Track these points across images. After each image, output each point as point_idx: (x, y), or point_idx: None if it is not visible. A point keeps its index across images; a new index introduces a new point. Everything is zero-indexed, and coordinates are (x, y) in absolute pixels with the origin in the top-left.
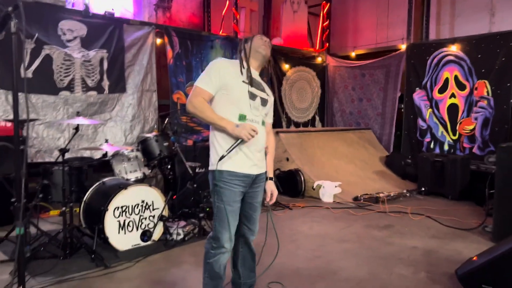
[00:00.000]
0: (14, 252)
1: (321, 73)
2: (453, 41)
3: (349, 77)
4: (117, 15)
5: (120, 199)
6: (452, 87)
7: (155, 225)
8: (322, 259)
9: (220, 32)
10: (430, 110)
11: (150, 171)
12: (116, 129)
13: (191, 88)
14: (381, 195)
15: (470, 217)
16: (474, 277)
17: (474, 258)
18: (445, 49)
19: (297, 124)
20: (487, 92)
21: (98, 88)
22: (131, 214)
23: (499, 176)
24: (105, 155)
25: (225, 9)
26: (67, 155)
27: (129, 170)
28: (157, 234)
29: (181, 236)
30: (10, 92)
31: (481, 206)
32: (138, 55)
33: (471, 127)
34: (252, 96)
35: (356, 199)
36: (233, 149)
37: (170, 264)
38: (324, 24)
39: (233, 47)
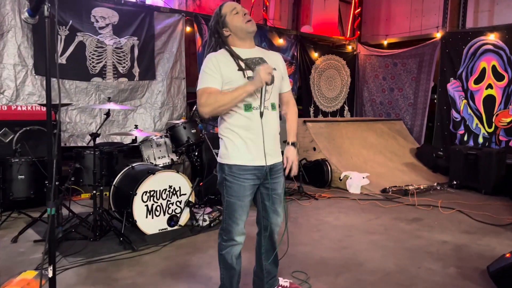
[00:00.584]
0: (46, 232)
1: (351, 62)
2: (491, 29)
3: (380, 66)
4: (148, 2)
5: (148, 184)
6: (489, 78)
7: (181, 211)
8: (348, 250)
9: None
10: (464, 101)
11: (177, 157)
12: (146, 116)
13: None
14: (410, 187)
15: (504, 213)
16: (507, 274)
17: (508, 255)
18: (482, 37)
19: (325, 114)
20: None
21: (129, 75)
22: (158, 199)
23: None
24: (134, 140)
25: None
26: (98, 140)
27: (157, 156)
28: (183, 219)
29: (207, 222)
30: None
31: None
32: (167, 43)
33: (509, 119)
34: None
35: (384, 191)
36: (264, 98)
37: (196, 249)
38: (356, 11)
39: (262, 35)
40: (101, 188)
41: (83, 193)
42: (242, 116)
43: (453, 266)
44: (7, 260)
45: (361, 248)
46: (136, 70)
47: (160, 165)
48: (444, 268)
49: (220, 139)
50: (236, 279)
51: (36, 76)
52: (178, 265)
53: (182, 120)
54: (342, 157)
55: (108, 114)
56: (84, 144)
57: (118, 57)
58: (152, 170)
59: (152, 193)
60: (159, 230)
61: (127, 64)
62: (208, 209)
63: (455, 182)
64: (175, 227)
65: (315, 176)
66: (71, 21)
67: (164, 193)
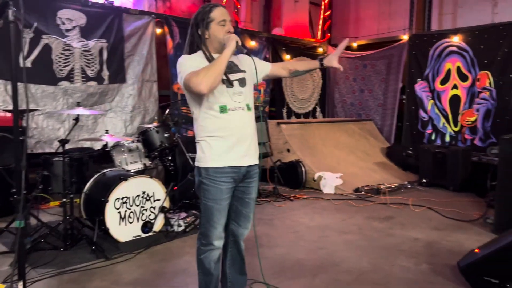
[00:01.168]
0: (14, 243)
1: None
2: (455, 31)
3: (350, 68)
4: (116, 4)
5: (121, 190)
6: (454, 78)
7: (156, 217)
8: (324, 251)
9: None
10: (431, 101)
11: (150, 162)
12: (117, 120)
13: None
14: (382, 186)
15: (471, 209)
16: (476, 269)
17: (476, 250)
18: (447, 39)
19: (298, 115)
20: (489, 83)
21: (98, 78)
22: (131, 206)
23: (502, 168)
24: (105, 146)
25: None
26: (67, 146)
27: (129, 161)
28: (158, 225)
29: (182, 228)
30: (9, 82)
31: (482, 198)
32: (138, 45)
33: (473, 118)
34: (229, 84)
35: (357, 190)
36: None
37: (171, 256)
38: (326, 14)
39: None
40: (71, 195)
41: (52, 201)
42: (218, 118)
43: (425, 262)
44: None
45: (337, 248)
46: (105, 73)
47: (132, 171)
48: (417, 265)
49: (196, 143)
50: (214, 284)
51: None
52: (154, 272)
53: (155, 124)
54: (315, 158)
55: (77, 119)
56: (52, 151)
57: (86, 60)
58: (124, 176)
59: (125, 199)
60: (133, 237)
61: (96, 67)
62: (183, 214)
63: (424, 180)
64: (150, 234)
65: (289, 177)
66: (35, 23)
67: (138, 199)
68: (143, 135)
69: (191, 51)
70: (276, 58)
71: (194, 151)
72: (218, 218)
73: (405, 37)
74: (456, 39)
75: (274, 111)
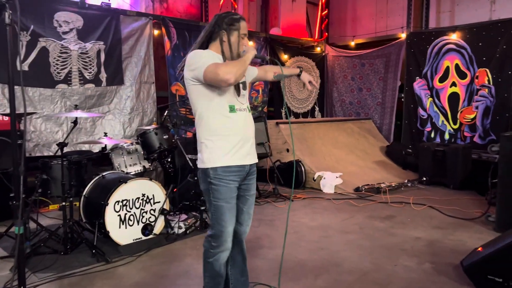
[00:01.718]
0: (14, 248)
1: (320, 63)
2: (453, 29)
3: (348, 67)
4: (113, 6)
5: (120, 193)
6: (453, 76)
7: (156, 219)
8: (325, 251)
9: None
10: (430, 99)
11: (150, 164)
12: (115, 122)
13: None
14: (382, 185)
15: (472, 207)
16: (480, 268)
17: (479, 249)
18: (445, 37)
19: (296, 115)
20: (488, 80)
21: (96, 81)
22: (131, 208)
23: (502, 165)
24: (104, 148)
25: None
26: (65, 149)
27: (128, 164)
28: (158, 227)
29: (183, 230)
30: (6, 86)
31: (482, 196)
32: (135, 47)
33: (472, 116)
34: (237, 86)
35: (357, 189)
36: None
37: (172, 258)
38: (323, 13)
39: None
40: (71, 199)
41: (51, 204)
42: (227, 118)
43: (428, 262)
44: None
45: (338, 248)
46: (103, 76)
47: (131, 173)
48: (420, 265)
49: (201, 144)
50: (222, 287)
51: None
52: (155, 275)
53: (153, 126)
54: (315, 157)
55: (75, 122)
56: (51, 154)
57: (84, 63)
58: (123, 179)
59: (124, 202)
60: (133, 240)
61: (93, 70)
62: (184, 216)
63: (424, 178)
64: (150, 236)
65: (289, 177)
66: (32, 26)
67: (137, 202)
68: (142, 137)
69: (201, 48)
70: (274, 58)
71: (194, 153)
72: (229, 217)
73: (403, 35)
74: (454, 37)
75: (272, 111)
